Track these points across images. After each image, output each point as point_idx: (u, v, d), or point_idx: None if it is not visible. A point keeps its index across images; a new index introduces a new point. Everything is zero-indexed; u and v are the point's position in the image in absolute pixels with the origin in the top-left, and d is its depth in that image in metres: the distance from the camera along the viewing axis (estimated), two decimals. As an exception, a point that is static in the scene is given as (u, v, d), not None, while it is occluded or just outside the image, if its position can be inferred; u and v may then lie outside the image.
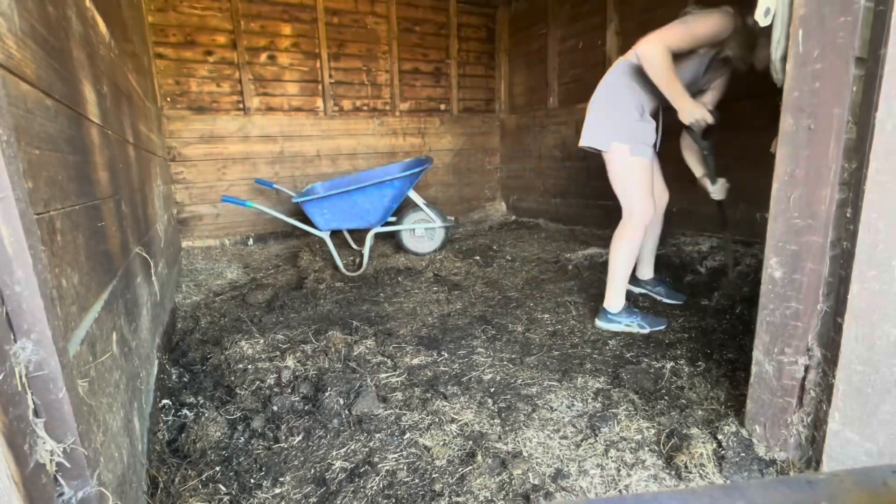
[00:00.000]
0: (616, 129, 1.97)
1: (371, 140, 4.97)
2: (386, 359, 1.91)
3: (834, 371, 1.05)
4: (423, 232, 3.67)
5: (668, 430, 1.36)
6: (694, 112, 1.85)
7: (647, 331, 2.09)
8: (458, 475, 1.23)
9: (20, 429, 0.57)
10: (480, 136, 5.67)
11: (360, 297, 2.79)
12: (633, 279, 2.48)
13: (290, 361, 1.87)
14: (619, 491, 1.17)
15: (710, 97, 2.16)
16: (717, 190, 2.32)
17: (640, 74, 1.93)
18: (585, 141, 2.09)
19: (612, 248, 2.12)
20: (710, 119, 1.87)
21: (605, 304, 2.16)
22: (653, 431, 1.38)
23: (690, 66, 1.98)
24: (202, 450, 1.37)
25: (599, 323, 2.18)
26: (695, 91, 2.08)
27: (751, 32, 1.80)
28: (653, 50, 1.79)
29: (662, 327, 2.12)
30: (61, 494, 0.66)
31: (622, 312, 2.14)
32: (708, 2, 1.97)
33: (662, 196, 2.38)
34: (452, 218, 3.99)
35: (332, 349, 1.96)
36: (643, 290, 2.53)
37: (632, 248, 2.06)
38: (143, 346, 1.47)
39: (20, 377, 0.59)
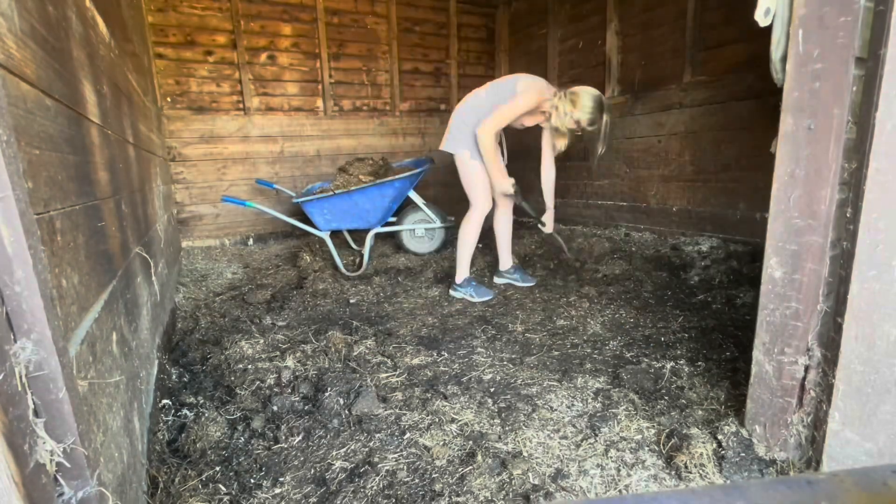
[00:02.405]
0: (465, 140, 2.53)
1: (371, 140, 4.97)
2: (386, 359, 1.91)
3: (834, 371, 1.05)
4: (423, 232, 3.67)
5: (668, 430, 1.36)
6: (501, 185, 2.55)
7: (476, 300, 2.65)
8: (458, 475, 1.23)
9: (20, 429, 0.57)
10: (480, 136, 5.66)
11: (361, 297, 2.79)
12: (497, 273, 3.01)
13: (290, 361, 1.87)
14: (619, 491, 1.17)
15: (546, 154, 2.88)
16: (546, 225, 2.90)
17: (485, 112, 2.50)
18: (444, 146, 2.63)
19: (460, 232, 2.68)
20: (510, 191, 2.56)
21: (456, 279, 2.75)
22: (653, 431, 1.38)
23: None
24: (202, 450, 1.37)
25: (451, 292, 2.77)
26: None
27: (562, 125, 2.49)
28: (482, 136, 2.42)
29: (489, 297, 2.67)
30: (61, 494, 0.66)
31: (463, 283, 2.72)
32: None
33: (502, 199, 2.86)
34: (452, 218, 3.99)
35: (332, 349, 1.96)
36: (505, 280, 2.97)
37: (474, 231, 2.65)
38: (143, 346, 1.47)
39: (20, 377, 0.59)
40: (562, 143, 2.63)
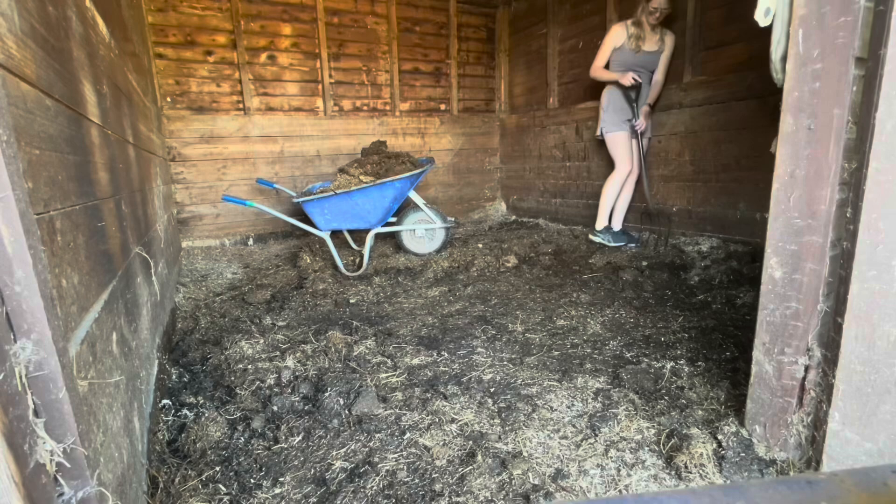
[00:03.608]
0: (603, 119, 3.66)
1: (371, 140, 4.97)
2: (386, 359, 1.91)
3: (834, 371, 1.05)
4: (423, 232, 3.67)
5: (668, 430, 1.36)
6: (621, 78, 3.43)
7: (612, 244, 3.64)
8: (458, 475, 1.23)
9: (20, 429, 0.57)
10: (480, 136, 5.67)
11: (361, 297, 2.79)
12: (593, 231, 3.90)
13: (290, 361, 1.87)
14: (619, 491, 1.17)
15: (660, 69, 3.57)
16: (640, 121, 3.54)
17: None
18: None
19: (603, 189, 3.69)
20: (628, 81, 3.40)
21: (596, 225, 3.81)
22: (653, 431, 1.38)
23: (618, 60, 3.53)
24: (202, 450, 1.37)
25: (591, 237, 3.82)
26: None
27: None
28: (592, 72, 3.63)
29: (622, 244, 3.63)
30: (61, 494, 0.66)
31: (603, 230, 3.74)
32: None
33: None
34: (453, 219, 3.99)
35: (332, 349, 1.96)
36: (598, 239, 3.83)
37: (615, 189, 3.64)
38: (143, 346, 1.47)
39: (20, 377, 0.59)
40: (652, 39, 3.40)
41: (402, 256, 3.62)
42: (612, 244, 3.60)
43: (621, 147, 3.53)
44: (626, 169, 3.55)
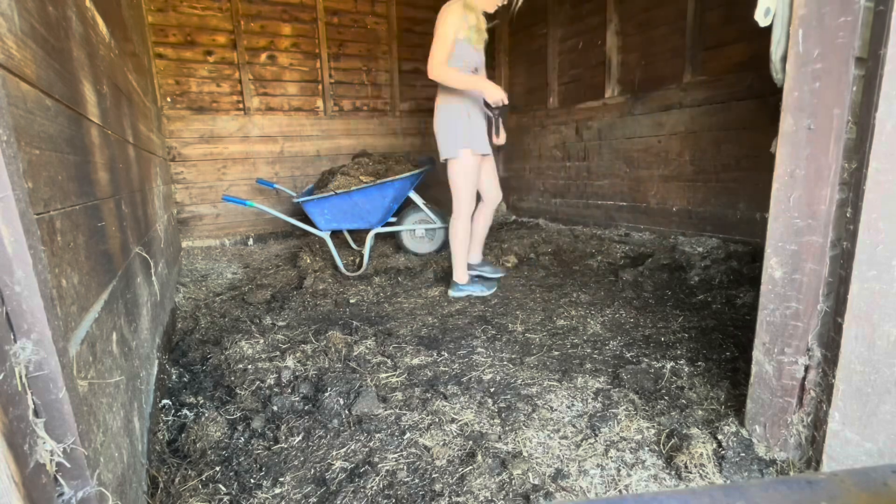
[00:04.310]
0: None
1: (371, 140, 4.97)
2: (386, 359, 1.91)
3: (834, 371, 1.05)
4: (423, 232, 3.67)
5: (668, 430, 1.36)
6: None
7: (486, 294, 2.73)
8: (458, 475, 1.23)
9: (20, 429, 0.57)
10: (480, 136, 5.66)
11: (361, 297, 2.79)
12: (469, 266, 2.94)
13: (290, 361, 1.87)
14: (619, 491, 1.17)
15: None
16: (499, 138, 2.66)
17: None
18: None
19: (451, 237, 2.66)
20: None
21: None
22: (653, 431, 1.38)
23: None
24: (202, 450, 1.37)
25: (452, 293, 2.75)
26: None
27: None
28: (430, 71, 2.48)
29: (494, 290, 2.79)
30: (61, 494, 0.66)
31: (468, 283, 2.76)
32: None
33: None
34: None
35: (332, 349, 1.96)
36: (475, 272, 2.93)
37: (465, 230, 2.64)
38: (143, 346, 1.47)
39: (20, 377, 0.59)
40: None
41: (402, 256, 3.62)
42: (486, 292, 2.74)
43: (472, 174, 2.54)
44: (472, 204, 2.63)
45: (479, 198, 2.73)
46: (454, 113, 2.56)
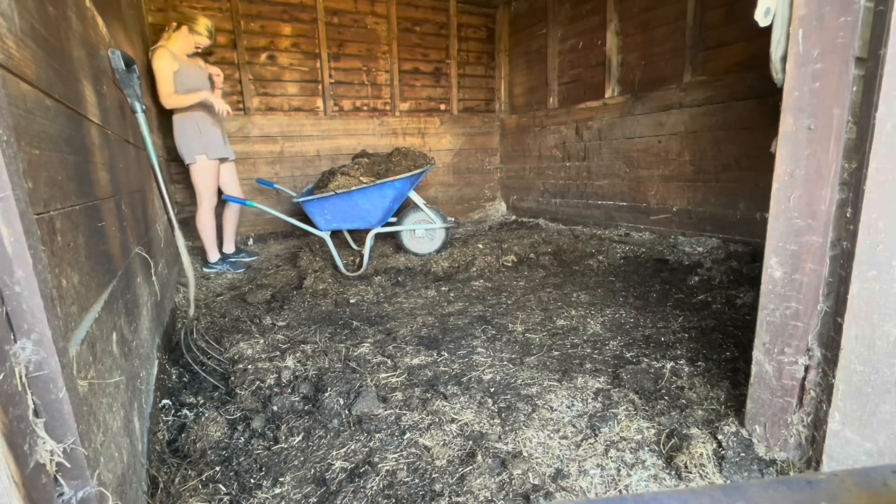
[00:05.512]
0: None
1: (371, 140, 4.97)
2: (386, 359, 1.91)
3: (834, 371, 1.05)
4: (423, 233, 3.67)
5: (668, 430, 1.36)
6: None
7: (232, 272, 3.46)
8: (458, 475, 1.23)
9: (20, 429, 0.57)
10: (480, 136, 5.67)
11: (361, 297, 2.79)
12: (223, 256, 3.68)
13: (290, 361, 1.87)
14: (619, 491, 1.17)
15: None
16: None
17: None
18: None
19: (198, 226, 3.42)
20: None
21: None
22: (653, 431, 1.38)
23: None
24: (202, 450, 1.37)
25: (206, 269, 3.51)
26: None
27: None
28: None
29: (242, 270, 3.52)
30: (61, 494, 0.66)
31: (217, 262, 3.55)
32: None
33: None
34: (452, 219, 3.99)
35: (332, 349, 1.96)
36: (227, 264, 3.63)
37: (210, 220, 3.39)
38: (143, 346, 1.47)
39: (20, 377, 0.59)
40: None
41: (402, 256, 3.62)
42: (235, 271, 3.46)
43: (209, 176, 3.31)
44: (214, 200, 3.37)
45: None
46: (187, 127, 3.20)
